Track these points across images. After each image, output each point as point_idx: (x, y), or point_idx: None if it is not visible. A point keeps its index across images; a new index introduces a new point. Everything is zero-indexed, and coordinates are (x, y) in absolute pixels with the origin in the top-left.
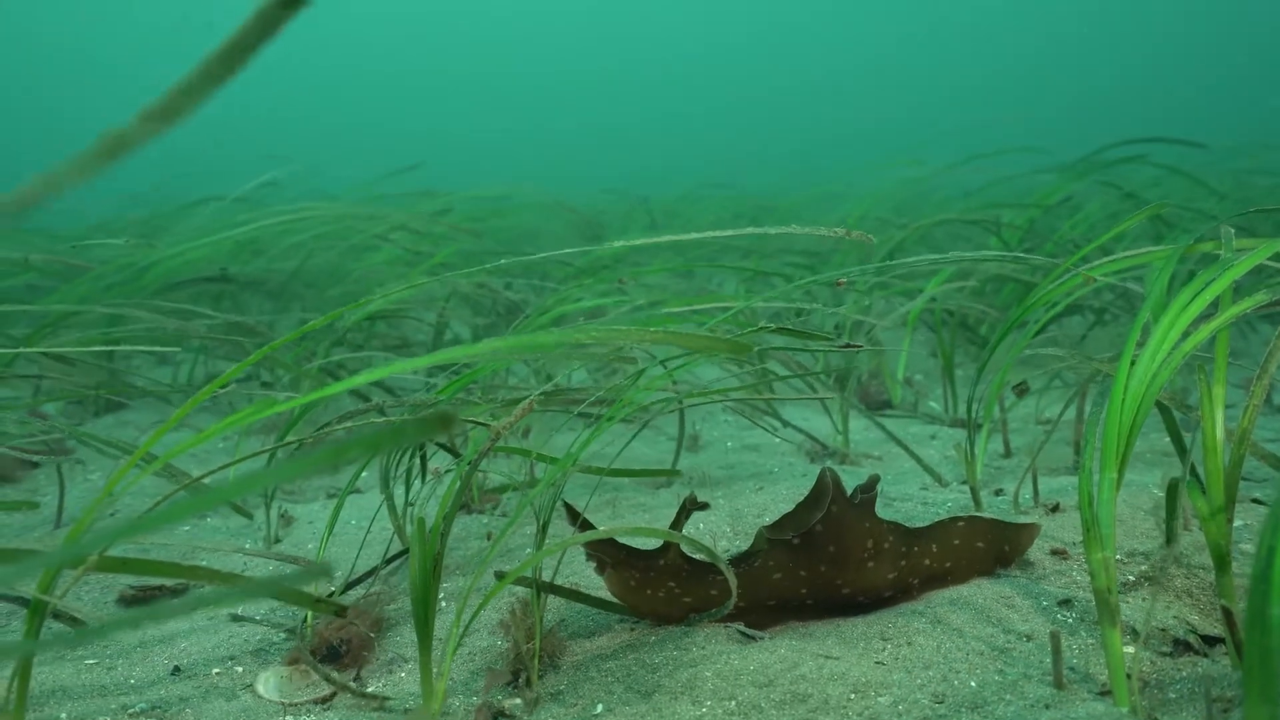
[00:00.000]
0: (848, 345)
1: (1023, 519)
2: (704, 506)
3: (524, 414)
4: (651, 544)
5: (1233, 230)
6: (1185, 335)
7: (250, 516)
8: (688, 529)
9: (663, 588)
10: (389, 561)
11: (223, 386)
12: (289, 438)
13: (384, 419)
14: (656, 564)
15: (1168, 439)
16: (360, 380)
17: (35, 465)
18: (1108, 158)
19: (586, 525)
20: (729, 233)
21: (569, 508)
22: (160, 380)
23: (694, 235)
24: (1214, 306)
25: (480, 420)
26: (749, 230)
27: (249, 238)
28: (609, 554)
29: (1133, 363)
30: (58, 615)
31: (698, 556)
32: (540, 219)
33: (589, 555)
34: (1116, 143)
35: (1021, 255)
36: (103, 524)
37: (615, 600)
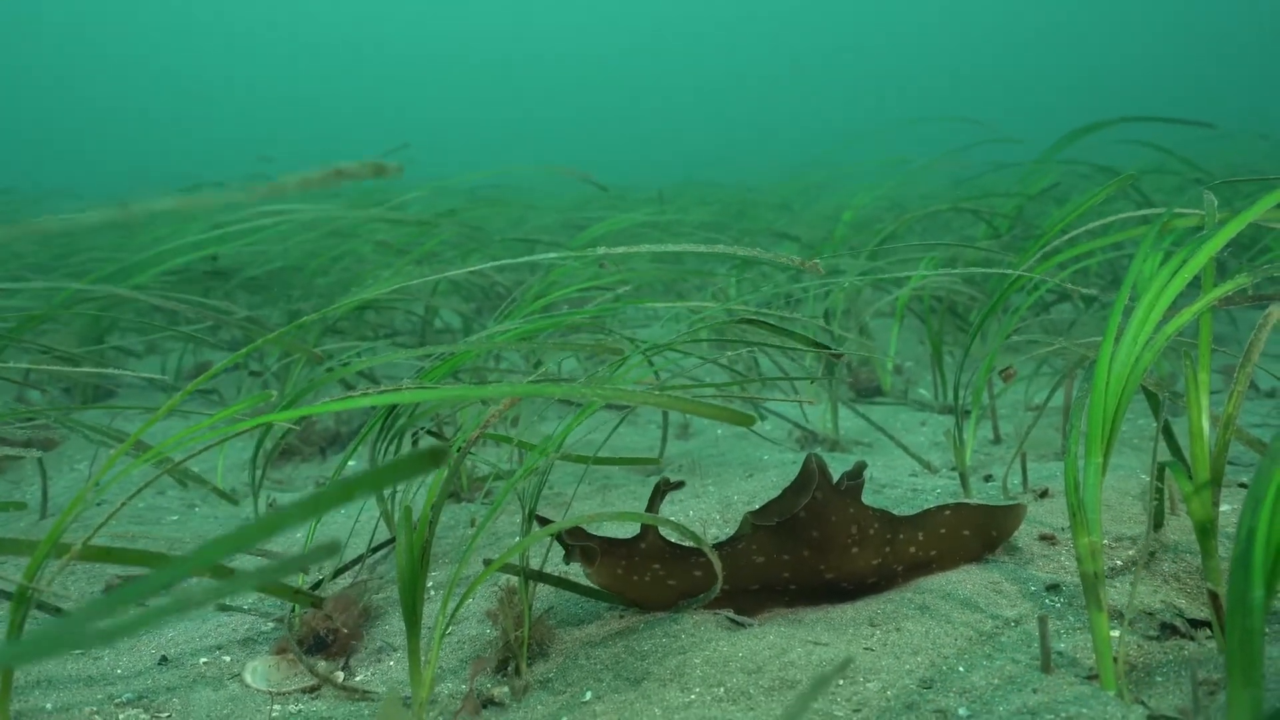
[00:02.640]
0: (831, 352)
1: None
2: (678, 486)
3: (511, 404)
4: (633, 530)
5: (1215, 199)
6: (1168, 318)
7: (236, 503)
8: (680, 516)
9: (648, 571)
10: (376, 550)
11: (213, 378)
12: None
13: (371, 402)
14: (639, 548)
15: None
16: (368, 401)
17: (26, 446)
18: (1102, 137)
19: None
20: (703, 248)
21: (540, 520)
22: (150, 369)
23: (671, 247)
24: (1197, 288)
25: (472, 401)
26: (720, 249)
27: (238, 233)
28: (595, 544)
29: (1115, 347)
30: (42, 605)
31: (686, 542)
32: (527, 211)
33: (569, 553)
34: (1114, 119)
35: (974, 275)
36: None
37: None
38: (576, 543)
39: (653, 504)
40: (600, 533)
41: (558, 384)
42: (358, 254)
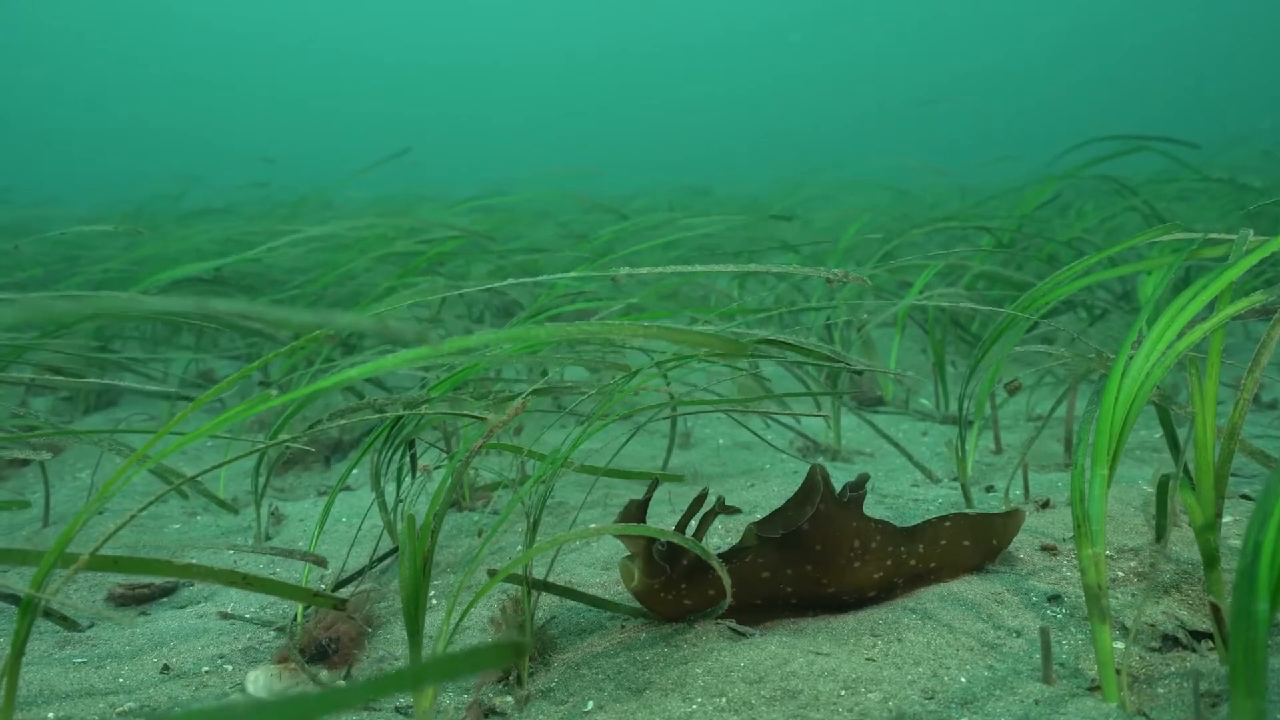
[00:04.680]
0: (848, 364)
1: None
2: (734, 511)
3: (517, 412)
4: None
5: (1250, 231)
6: (1180, 335)
7: (236, 512)
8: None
9: (675, 589)
10: (380, 560)
11: (227, 389)
12: (283, 435)
13: (379, 416)
14: (680, 565)
15: (1158, 435)
16: (353, 374)
17: (25, 462)
18: (1101, 152)
19: (639, 515)
20: (732, 268)
21: (647, 498)
22: (153, 377)
23: (699, 268)
24: (1210, 307)
25: (477, 414)
26: (752, 268)
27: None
28: (676, 553)
29: (1128, 361)
30: (48, 614)
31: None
32: (532, 223)
33: (648, 558)
34: (1108, 138)
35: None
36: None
37: (607, 598)
38: (662, 561)
39: (703, 526)
40: (597, 543)
41: (545, 327)
42: (369, 258)
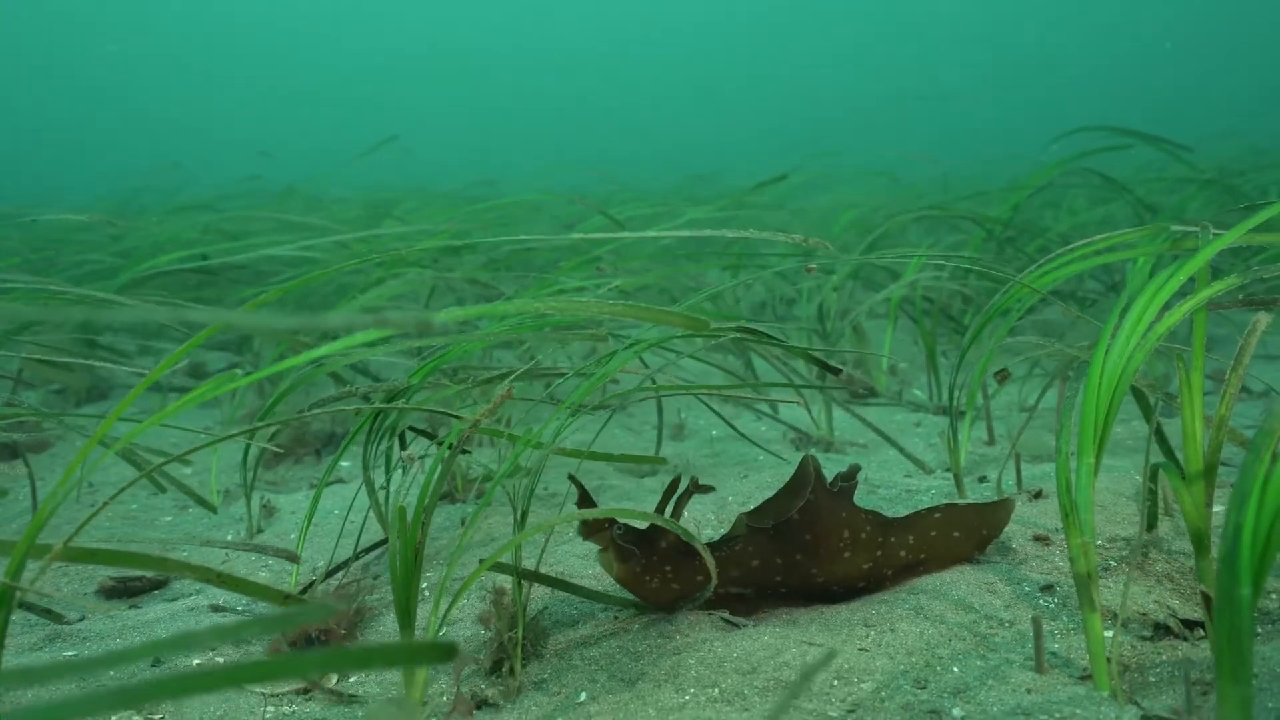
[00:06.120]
0: (831, 368)
1: None
2: (708, 490)
3: (503, 400)
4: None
5: (1210, 225)
6: (1160, 316)
7: (214, 509)
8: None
9: (659, 574)
10: (368, 550)
11: (176, 363)
12: (270, 427)
13: (367, 404)
14: (659, 548)
15: None
16: (321, 352)
17: (15, 456)
18: (1095, 144)
19: (588, 503)
20: (707, 232)
21: (582, 491)
22: (141, 370)
23: (683, 233)
24: (1189, 294)
25: (458, 414)
26: (726, 233)
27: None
28: (631, 541)
29: (1108, 348)
30: (30, 607)
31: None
32: (527, 212)
33: (616, 544)
34: (1103, 129)
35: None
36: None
37: (598, 589)
38: (626, 544)
39: (679, 506)
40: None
41: (511, 303)
42: (356, 249)
